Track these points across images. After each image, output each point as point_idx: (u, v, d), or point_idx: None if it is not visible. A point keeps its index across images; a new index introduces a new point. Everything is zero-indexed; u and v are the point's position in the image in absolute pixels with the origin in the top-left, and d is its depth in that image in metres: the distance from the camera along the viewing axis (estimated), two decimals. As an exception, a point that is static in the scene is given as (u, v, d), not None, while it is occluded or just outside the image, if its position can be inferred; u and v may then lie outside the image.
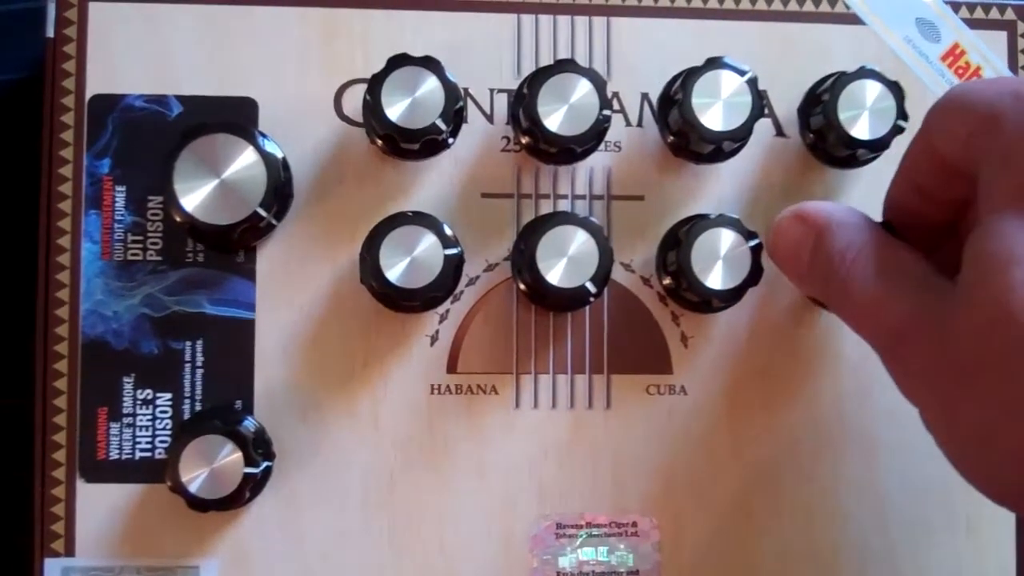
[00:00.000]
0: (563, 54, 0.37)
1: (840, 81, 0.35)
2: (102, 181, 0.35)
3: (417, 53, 0.34)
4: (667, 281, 0.36)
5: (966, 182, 0.28)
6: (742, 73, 0.34)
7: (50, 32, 0.35)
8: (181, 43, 0.36)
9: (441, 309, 0.36)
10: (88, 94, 0.35)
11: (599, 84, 0.34)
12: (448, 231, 0.34)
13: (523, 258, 0.34)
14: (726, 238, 0.34)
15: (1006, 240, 0.24)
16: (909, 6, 0.38)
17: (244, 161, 0.33)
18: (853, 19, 0.38)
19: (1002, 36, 0.38)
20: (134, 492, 0.35)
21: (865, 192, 0.37)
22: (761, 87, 0.35)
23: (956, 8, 0.38)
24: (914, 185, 0.31)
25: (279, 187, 0.34)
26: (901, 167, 0.31)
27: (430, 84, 0.33)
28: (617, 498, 0.36)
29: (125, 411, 0.35)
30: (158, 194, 0.35)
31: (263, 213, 0.33)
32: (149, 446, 0.35)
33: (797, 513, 0.37)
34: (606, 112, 0.34)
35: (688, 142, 0.35)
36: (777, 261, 0.33)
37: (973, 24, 0.38)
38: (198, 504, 0.33)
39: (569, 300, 0.34)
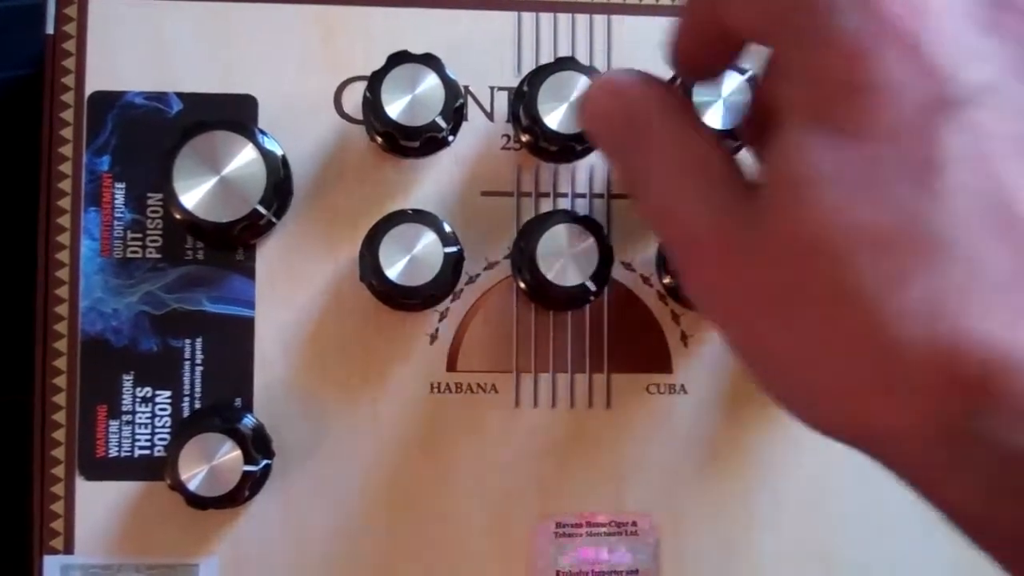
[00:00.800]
0: (564, 52, 0.37)
1: None
2: (101, 178, 0.35)
3: (417, 50, 0.34)
4: (667, 280, 0.36)
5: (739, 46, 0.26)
6: (742, 72, 0.34)
7: (50, 29, 0.35)
8: (181, 40, 0.35)
9: (441, 307, 0.36)
10: (88, 91, 0.35)
11: None
12: (448, 229, 0.33)
13: (523, 256, 0.34)
14: (727, 237, 0.34)
15: (807, 160, 0.22)
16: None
17: (244, 159, 0.33)
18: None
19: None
20: (133, 490, 0.35)
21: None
22: (756, 74, 0.35)
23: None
24: (693, 40, 0.27)
25: (279, 185, 0.34)
26: (680, 26, 0.27)
27: (430, 81, 0.33)
28: (617, 497, 0.36)
29: (124, 409, 0.35)
30: (158, 191, 0.35)
31: (263, 211, 0.33)
32: (148, 444, 0.35)
33: (798, 513, 0.36)
34: None
35: None
36: (584, 130, 0.30)
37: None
38: (197, 502, 0.33)
39: (569, 299, 0.34)
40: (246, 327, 0.35)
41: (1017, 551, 0.22)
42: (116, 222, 0.35)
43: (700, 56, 0.28)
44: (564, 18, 0.37)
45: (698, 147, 0.26)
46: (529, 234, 0.34)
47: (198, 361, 0.35)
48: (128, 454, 0.35)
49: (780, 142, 0.23)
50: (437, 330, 0.36)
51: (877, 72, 0.21)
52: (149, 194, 0.35)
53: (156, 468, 0.34)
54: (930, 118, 0.21)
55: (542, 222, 0.34)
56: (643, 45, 0.37)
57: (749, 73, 0.34)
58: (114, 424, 0.35)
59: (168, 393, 0.35)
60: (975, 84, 0.21)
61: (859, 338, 0.22)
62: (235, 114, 0.35)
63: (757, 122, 0.27)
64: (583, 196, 0.36)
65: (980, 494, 0.21)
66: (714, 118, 0.34)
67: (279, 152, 0.34)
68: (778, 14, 0.23)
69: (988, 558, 0.22)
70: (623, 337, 0.36)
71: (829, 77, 0.22)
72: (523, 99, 0.34)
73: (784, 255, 0.23)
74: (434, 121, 0.33)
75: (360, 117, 0.35)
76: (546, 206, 0.36)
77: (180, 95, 0.35)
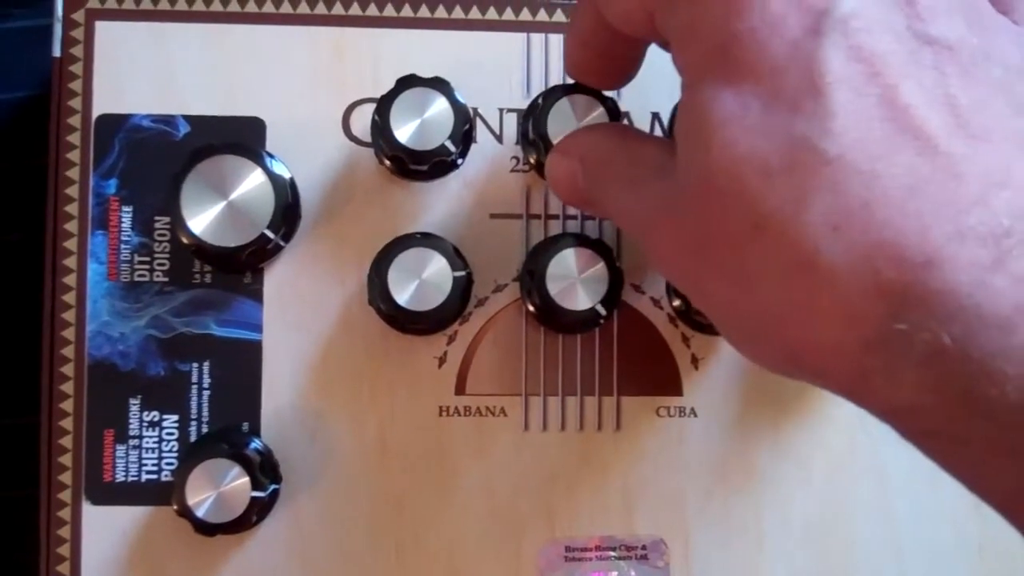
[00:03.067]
0: (573, 73, 0.36)
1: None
2: (109, 201, 0.35)
3: (426, 73, 0.33)
4: (677, 303, 0.36)
5: (635, 44, 0.30)
6: None
7: (56, 51, 0.35)
8: (188, 62, 0.35)
9: (449, 330, 0.36)
10: (95, 114, 0.35)
11: (612, 111, 0.33)
12: (457, 253, 0.33)
13: (532, 279, 0.34)
14: (737, 260, 0.34)
15: (702, 111, 0.24)
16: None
17: (252, 182, 0.33)
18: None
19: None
20: (140, 515, 0.34)
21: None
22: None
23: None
24: (586, 48, 0.31)
25: (287, 208, 0.33)
26: (570, 31, 0.31)
27: (439, 105, 0.33)
28: (627, 521, 0.36)
29: (132, 433, 0.35)
30: (165, 214, 0.35)
31: (271, 235, 0.33)
32: (156, 468, 0.35)
33: (808, 535, 0.36)
34: None
35: None
36: (559, 195, 0.32)
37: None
38: (205, 528, 0.32)
39: (579, 323, 0.34)
40: (254, 351, 0.35)
41: (956, 446, 0.23)
42: (123, 245, 0.35)
43: (598, 64, 0.31)
44: (573, 39, 0.36)
45: (636, 152, 0.29)
46: (538, 257, 0.34)
47: (205, 385, 0.35)
48: (135, 479, 0.35)
49: (679, 109, 0.26)
50: (446, 353, 0.36)
51: (752, 14, 0.23)
52: (156, 217, 0.35)
53: (163, 493, 0.34)
54: (808, 46, 0.23)
55: (551, 245, 0.34)
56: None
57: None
58: (121, 448, 0.35)
59: (175, 417, 0.35)
60: (845, 10, 0.23)
61: (776, 265, 0.23)
62: (243, 137, 0.35)
63: None
64: (592, 218, 0.36)
65: (920, 393, 0.22)
66: None
67: (287, 175, 0.34)
68: None
69: (938, 464, 0.23)
70: (633, 360, 0.36)
71: (709, 30, 0.24)
72: (532, 121, 0.34)
73: (698, 202, 0.24)
74: (443, 145, 0.33)
75: (368, 140, 0.35)
76: (555, 228, 0.36)
77: (187, 118, 0.35)
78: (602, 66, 0.31)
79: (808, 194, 0.22)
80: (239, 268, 0.35)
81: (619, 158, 0.29)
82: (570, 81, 0.34)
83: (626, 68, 0.32)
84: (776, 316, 0.23)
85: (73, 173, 0.35)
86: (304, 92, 0.36)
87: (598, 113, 0.33)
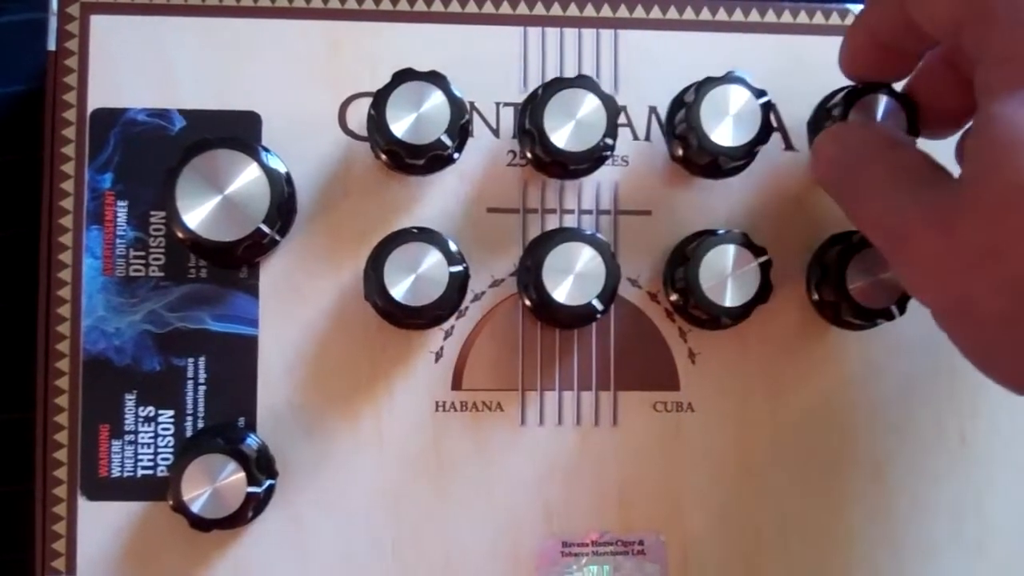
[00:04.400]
0: (570, 67, 0.36)
1: (850, 95, 0.34)
2: (104, 196, 0.35)
3: (422, 67, 0.33)
4: (674, 297, 0.35)
5: (928, 42, 0.30)
6: (759, 95, 0.34)
7: (51, 45, 0.35)
8: (184, 56, 0.35)
9: (446, 325, 0.35)
10: (90, 108, 0.35)
11: (611, 109, 0.33)
12: (453, 247, 0.33)
13: (529, 274, 0.34)
14: (734, 254, 0.34)
15: (1012, 124, 0.24)
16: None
17: (247, 177, 0.33)
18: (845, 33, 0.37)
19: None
20: (136, 510, 0.34)
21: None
22: (771, 100, 0.35)
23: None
24: (875, 38, 0.31)
25: (282, 203, 0.33)
26: (861, 20, 0.32)
27: (435, 99, 0.33)
28: (624, 516, 0.36)
29: (127, 428, 0.34)
30: (160, 209, 0.35)
31: (266, 229, 0.33)
32: (151, 464, 0.35)
33: (806, 531, 0.36)
34: (608, 140, 0.33)
35: (688, 148, 0.35)
36: (816, 179, 0.33)
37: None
38: (200, 524, 0.32)
39: (575, 317, 0.34)
40: (249, 346, 0.35)
41: None
42: (118, 240, 0.35)
43: (875, 59, 0.32)
44: (570, 33, 0.36)
45: (902, 158, 0.29)
46: (535, 252, 0.34)
47: (201, 380, 0.35)
48: (131, 474, 0.34)
49: (978, 122, 0.26)
50: (442, 348, 0.36)
51: None
52: (152, 212, 0.35)
53: (159, 488, 0.34)
54: None
55: (548, 239, 0.34)
56: (649, 60, 0.36)
57: (765, 99, 0.34)
58: (116, 444, 0.34)
59: (171, 412, 0.35)
60: None
61: None
62: (238, 131, 0.35)
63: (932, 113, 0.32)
64: (589, 213, 0.36)
65: None
66: (719, 130, 0.33)
67: (283, 170, 0.34)
68: (971, 2, 0.26)
69: None
70: (630, 354, 0.36)
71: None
72: (530, 114, 0.34)
73: (988, 215, 0.24)
74: (439, 139, 0.33)
75: (365, 134, 0.35)
76: (552, 223, 0.36)
77: (183, 112, 0.35)
78: (880, 58, 0.32)
79: None
80: (235, 263, 0.35)
81: (885, 160, 0.29)
82: (569, 75, 0.33)
83: (901, 66, 0.32)
84: None
85: (68, 168, 0.35)
86: (300, 86, 0.35)
87: (596, 110, 0.33)
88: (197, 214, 0.32)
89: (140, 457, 0.34)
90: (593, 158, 0.34)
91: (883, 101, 0.33)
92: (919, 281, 0.27)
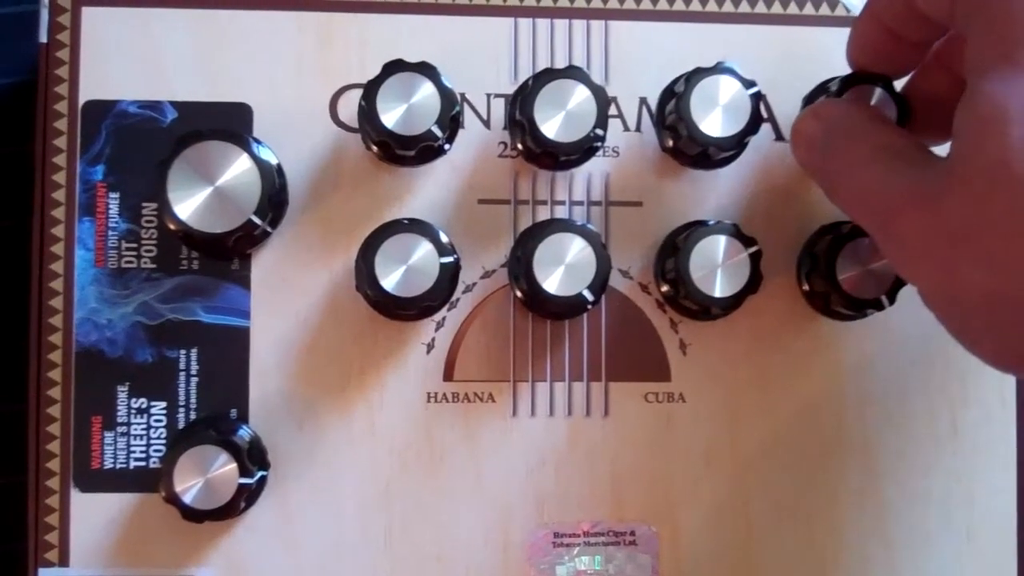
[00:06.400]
0: (561, 58, 0.36)
1: (847, 80, 0.34)
2: (96, 188, 0.35)
3: (413, 58, 0.33)
4: (665, 288, 0.36)
5: (937, 28, 0.30)
6: (748, 86, 0.34)
7: (43, 38, 0.35)
8: (175, 48, 0.35)
9: (437, 316, 0.36)
10: (81, 100, 0.35)
11: (601, 100, 0.33)
12: (444, 239, 0.33)
13: (520, 265, 0.34)
14: (725, 245, 0.34)
15: (998, 100, 0.24)
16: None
17: (238, 168, 0.33)
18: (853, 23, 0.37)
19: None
20: (128, 502, 0.34)
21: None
22: (760, 91, 0.35)
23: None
24: (881, 26, 0.31)
25: (274, 194, 0.33)
26: (868, 8, 0.32)
27: (426, 90, 0.33)
28: (615, 506, 0.36)
29: (119, 420, 0.35)
30: (152, 201, 0.35)
31: (258, 221, 0.33)
32: (144, 455, 0.35)
33: (797, 521, 0.36)
34: (599, 131, 0.33)
35: (679, 138, 0.35)
36: (796, 158, 0.33)
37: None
38: (192, 515, 0.32)
39: (566, 308, 0.34)
40: (242, 337, 0.35)
41: None
42: (110, 232, 0.35)
43: (882, 48, 0.32)
44: (561, 24, 0.36)
45: (887, 137, 0.29)
46: (526, 243, 0.34)
47: (193, 372, 0.35)
48: (123, 465, 0.35)
49: (966, 99, 0.25)
50: (433, 339, 0.36)
51: None
52: (143, 204, 0.35)
53: (151, 480, 0.34)
54: None
55: (539, 230, 0.34)
56: (640, 50, 0.37)
57: (755, 89, 0.34)
58: (109, 435, 0.34)
59: (163, 404, 0.35)
60: None
61: None
62: (229, 123, 0.35)
63: (926, 116, 0.32)
64: (580, 204, 0.36)
65: None
66: (708, 120, 0.34)
67: (274, 161, 0.34)
68: None
69: None
70: (621, 345, 0.36)
71: (1012, 22, 0.24)
72: (520, 104, 0.34)
73: (975, 190, 0.24)
74: (430, 130, 0.33)
75: (356, 125, 0.35)
76: (543, 214, 0.36)
77: (174, 104, 0.35)
78: (887, 49, 0.32)
79: None
80: (226, 254, 0.35)
81: (867, 138, 0.29)
82: (559, 67, 0.34)
83: (908, 58, 0.32)
84: None
85: (60, 160, 0.35)
86: (291, 78, 0.35)
87: (586, 101, 0.33)
88: (188, 205, 0.32)
89: (132, 449, 0.35)
90: (583, 149, 0.34)
91: (877, 93, 0.33)
92: (906, 259, 0.27)
